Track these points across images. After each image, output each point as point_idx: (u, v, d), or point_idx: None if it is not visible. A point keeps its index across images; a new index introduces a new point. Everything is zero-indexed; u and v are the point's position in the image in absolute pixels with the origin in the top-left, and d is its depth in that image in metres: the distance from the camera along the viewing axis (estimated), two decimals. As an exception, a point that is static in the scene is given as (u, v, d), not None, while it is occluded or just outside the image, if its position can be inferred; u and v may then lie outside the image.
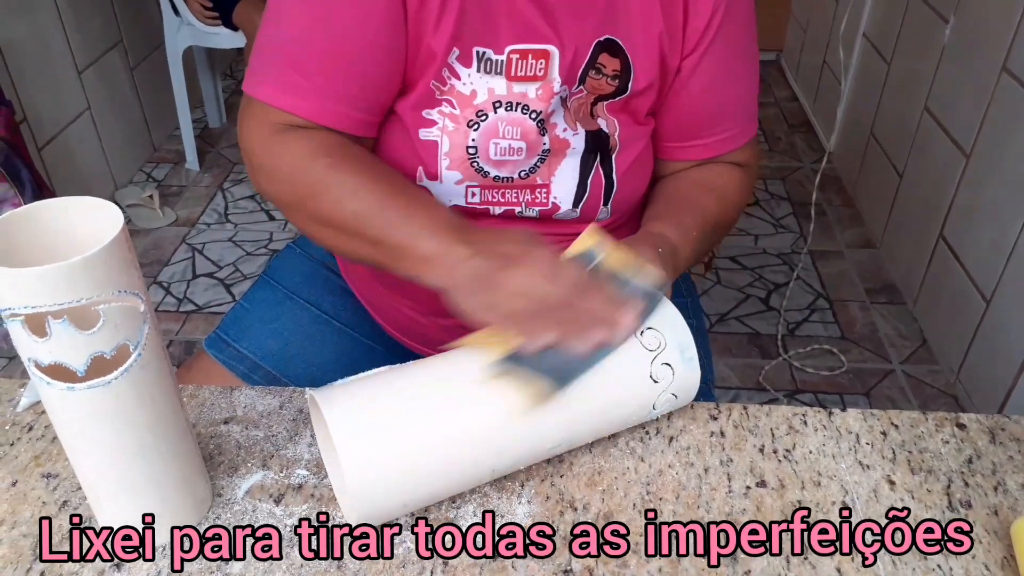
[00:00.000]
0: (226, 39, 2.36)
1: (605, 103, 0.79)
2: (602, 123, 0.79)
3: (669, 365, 0.63)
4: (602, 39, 0.75)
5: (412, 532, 0.59)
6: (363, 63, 0.73)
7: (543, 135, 0.78)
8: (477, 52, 0.74)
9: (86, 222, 0.51)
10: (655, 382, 0.63)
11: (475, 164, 0.78)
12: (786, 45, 3.19)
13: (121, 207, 2.30)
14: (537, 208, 0.81)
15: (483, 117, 0.76)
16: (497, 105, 0.76)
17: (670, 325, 0.64)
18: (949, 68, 1.84)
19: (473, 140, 0.77)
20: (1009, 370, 1.55)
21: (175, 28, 2.38)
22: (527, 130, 0.77)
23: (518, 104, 0.76)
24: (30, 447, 0.66)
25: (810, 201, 2.24)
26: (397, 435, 0.56)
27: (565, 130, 0.78)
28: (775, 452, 0.66)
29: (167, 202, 2.43)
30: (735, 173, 0.86)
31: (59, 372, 0.49)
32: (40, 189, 1.90)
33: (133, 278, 0.49)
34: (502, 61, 0.74)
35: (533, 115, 0.76)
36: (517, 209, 0.82)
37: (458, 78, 0.75)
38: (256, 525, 0.60)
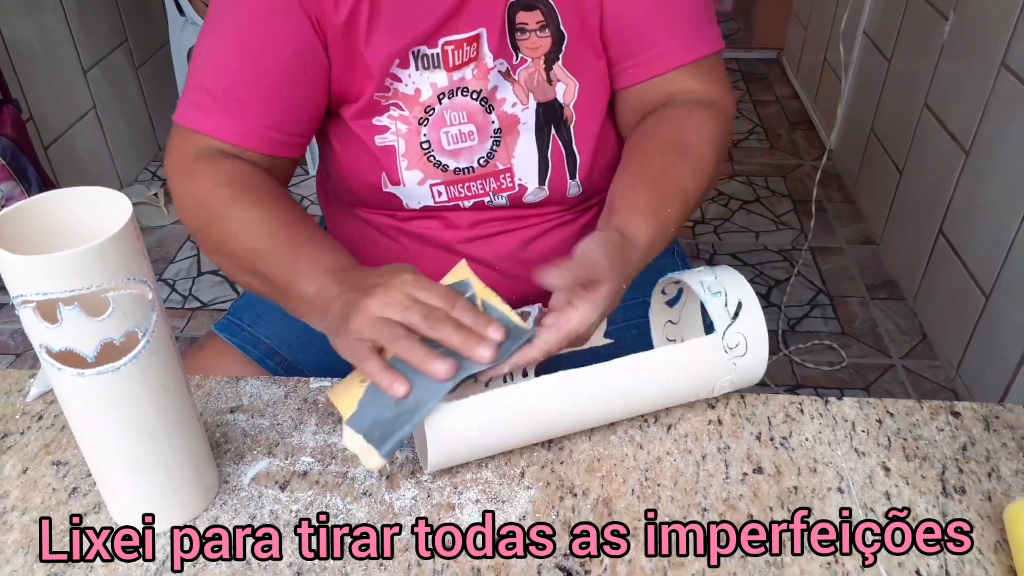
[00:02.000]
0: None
1: (559, 63, 0.78)
2: (560, 89, 0.79)
3: (740, 357, 0.64)
4: (511, 0, 0.75)
5: (412, 532, 0.60)
6: (279, 86, 0.75)
7: (490, 113, 0.79)
8: (413, 52, 0.76)
9: (95, 211, 0.52)
10: (727, 351, 0.64)
11: (432, 159, 0.79)
12: (787, 43, 3.20)
13: (126, 205, 2.31)
14: (505, 194, 0.82)
15: (431, 112, 0.78)
16: (441, 96, 0.78)
17: (736, 288, 0.65)
18: (948, 65, 1.85)
19: (425, 135, 0.78)
20: (1008, 365, 1.55)
21: (180, 27, 2.39)
22: (472, 111, 0.78)
23: (458, 89, 0.77)
24: (40, 435, 0.67)
25: (811, 198, 2.25)
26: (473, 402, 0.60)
27: (514, 105, 0.79)
28: (772, 440, 0.67)
29: (172, 200, 2.45)
30: (705, 118, 0.77)
31: (70, 358, 0.50)
32: (46, 187, 1.91)
33: (142, 266, 0.50)
34: (438, 55, 0.76)
35: (474, 95, 0.78)
36: (486, 199, 0.82)
37: (400, 81, 0.77)
38: (262, 511, 0.61)
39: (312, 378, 0.73)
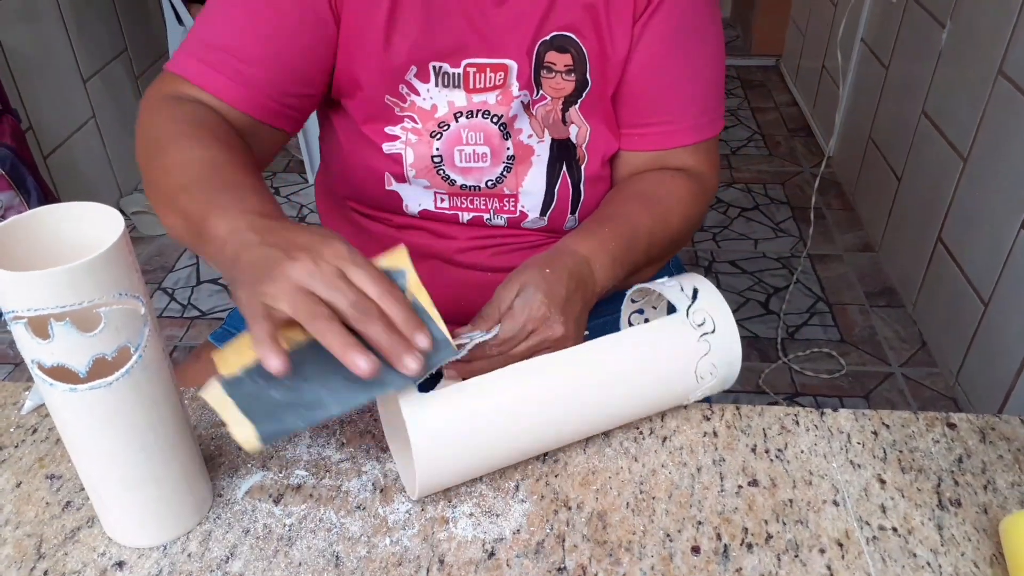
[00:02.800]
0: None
1: (576, 106, 0.79)
2: (574, 130, 0.80)
3: (709, 334, 0.65)
4: (547, 38, 0.76)
5: (407, 531, 0.60)
6: (281, 51, 0.74)
7: (507, 139, 0.79)
8: (434, 67, 0.76)
9: (88, 227, 0.52)
10: (701, 350, 0.65)
11: (441, 172, 0.79)
12: (785, 50, 3.20)
13: (126, 214, 2.31)
14: (505, 216, 0.83)
15: (445, 127, 0.78)
16: (458, 115, 0.78)
17: (708, 294, 0.66)
18: (946, 72, 1.85)
19: (437, 149, 0.78)
20: (1007, 372, 1.55)
21: (179, 36, 2.40)
22: (490, 134, 0.78)
23: (479, 111, 0.78)
24: (34, 449, 0.67)
25: (809, 205, 2.25)
26: (458, 406, 0.58)
27: (530, 136, 0.79)
28: (767, 452, 0.67)
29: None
30: (676, 183, 0.80)
31: (62, 374, 0.50)
32: (45, 197, 1.91)
33: (134, 281, 0.50)
34: (459, 74, 0.76)
35: (495, 119, 0.78)
36: (486, 216, 0.83)
37: (417, 94, 0.77)
38: (255, 525, 0.61)
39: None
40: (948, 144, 1.82)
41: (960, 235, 1.77)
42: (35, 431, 0.69)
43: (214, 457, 0.66)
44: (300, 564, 0.58)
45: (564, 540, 0.59)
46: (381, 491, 0.63)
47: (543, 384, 0.61)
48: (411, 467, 0.59)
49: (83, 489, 0.63)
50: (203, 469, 0.62)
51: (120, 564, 0.58)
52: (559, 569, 0.57)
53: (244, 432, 0.54)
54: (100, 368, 0.50)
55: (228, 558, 0.58)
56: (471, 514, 0.61)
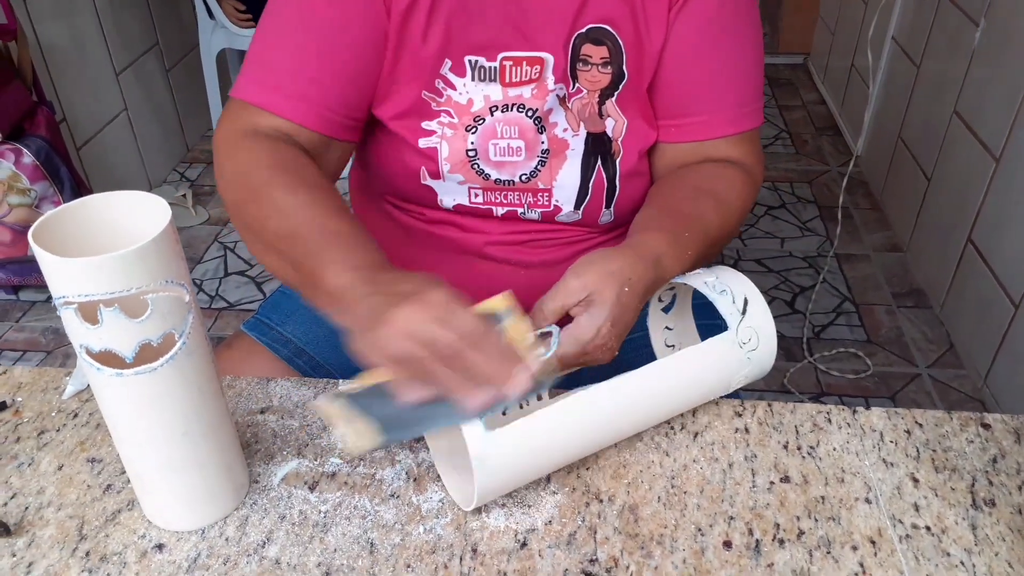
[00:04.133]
0: (258, 41, 2.40)
1: (613, 99, 0.79)
2: (610, 124, 0.80)
3: (753, 351, 0.65)
4: (583, 30, 0.76)
5: (440, 519, 0.60)
6: (344, 64, 0.75)
7: (541, 133, 0.79)
8: (469, 61, 0.76)
9: (132, 215, 0.53)
10: (741, 345, 0.65)
11: (475, 166, 0.80)
12: (814, 48, 3.18)
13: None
14: (539, 210, 0.83)
15: (481, 121, 0.78)
16: (494, 109, 0.78)
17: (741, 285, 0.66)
18: (979, 71, 1.83)
19: (472, 143, 0.79)
20: (1038, 375, 1.54)
21: (209, 30, 2.42)
22: (524, 128, 0.79)
23: (514, 104, 0.78)
24: (75, 433, 0.69)
25: (837, 204, 2.23)
26: (518, 441, 0.58)
27: (565, 130, 0.80)
28: (799, 448, 0.67)
29: (200, 201, 2.48)
30: (737, 177, 0.80)
31: (109, 359, 0.51)
32: (78, 187, 1.94)
33: (180, 269, 0.51)
34: (495, 68, 0.77)
35: (529, 113, 0.78)
36: (519, 210, 0.83)
37: (454, 88, 0.77)
38: (291, 511, 0.62)
39: (341, 380, 0.74)
40: (980, 144, 1.80)
41: (991, 236, 1.75)
42: (76, 415, 0.71)
43: (251, 444, 0.67)
44: (335, 550, 0.59)
45: (596, 532, 0.60)
46: (415, 480, 0.64)
47: (601, 414, 0.61)
48: (466, 489, 0.60)
49: (123, 472, 0.65)
50: (241, 455, 0.63)
51: (160, 547, 0.59)
52: (591, 560, 0.58)
53: (364, 433, 0.58)
54: (146, 354, 0.51)
55: (264, 543, 0.59)
56: (503, 504, 0.62)
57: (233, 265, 2.21)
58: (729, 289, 0.66)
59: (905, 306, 2.02)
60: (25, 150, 1.83)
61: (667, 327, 0.77)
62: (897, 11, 2.32)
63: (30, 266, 1.94)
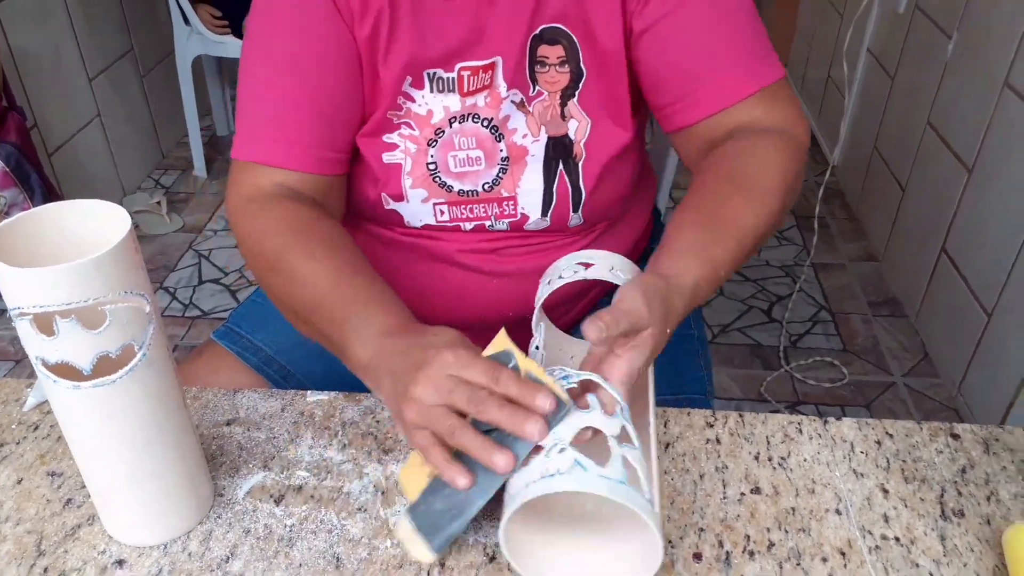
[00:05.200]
0: (235, 48, 2.39)
1: (574, 99, 0.78)
2: (572, 125, 0.79)
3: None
4: (537, 32, 0.76)
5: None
6: (328, 102, 0.75)
7: (499, 142, 0.79)
8: (428, 74, 0.76)
9: (94, 224, 0.52)
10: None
11: (437, 179, 0.80)
12: (791, 59, 3.21)
13: (129, 213, 2.32)
14: (507, 220, 0.83)
15: (441, 134, 0.78)
16: (452, 120, 0.78)
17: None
18: (952, 83, 1.85)
19: (432, 156, 0.79)
20: (1010, 384, 1.55)
21: (185, 37, 2.41)
22: (482, 138, 0.78)
23: (469, 115, 0.78)
24: (36, 446, 0.67)
25: (813, 214, 2.24)
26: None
27: (525, 136, 0.79)
28: (770, 459, 0.66)
29: (175, 208, 2.45)
30: (770, 150, 0.72)
31: (66, 371, 0.50)
32: (49, 194, 1.92)
33: (140, 279, 0.50)
34: (453, 79, 0.77)
35: (485, 123, 0.78)
36: (487, 223, 0.83)
37: (413, 101, 0.77)
38: (256, 526, 0.60)
39: (309, 391, 0.73)
40: (953, 155, 1.82)
41: (964, 246, 1.77)
42: (37, 428, 0.69)
43: (216, 457, 0.66)
44: (301, 565, 0.58)
45: (565, 545, 0.59)
46: (382, 493, 0.63)
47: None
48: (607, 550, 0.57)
49: (84, 486, 0.63)
50: (205, 468, 0.62)
51: (120, 562, 0.58)
52: (560, 574, 0.57)
53: (419, 550, 0.57)
54: (104, 366, 0.50)
55: (228, 558, 0.58)
56: (472, 518, 0.61)
57: (208, 273, 2.19)
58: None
59: (881, 315, 2.04)
60: (-5, 156, 1.80)
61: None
62: (872, 24, 2.35)
63: None
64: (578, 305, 0.92)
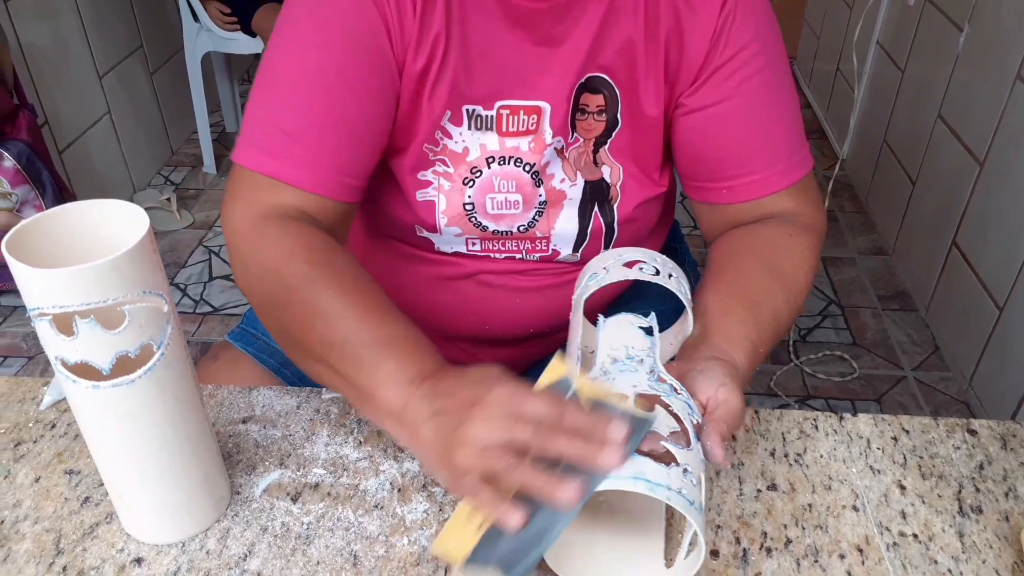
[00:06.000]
0: (244, 45, 2.39)
1: (606, 147, 0.78)
2: (606, 171, 0.79)
3: None
4: (583, 79, 0.75)
5: (425, 531, 0.60)
6: (358, 133, 0.71)
7: (539, 187, 0.78)
8: (467, 110, 0.75)
9: (111, 224, 0.52)
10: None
11: (473, 219, 0.79)
12: (799, 52, 3.19)
13: (138, 210, 2.33)
14: (538, 254, 0.82)
15: (478, 173, 0.77)
16: (491, 160, 0.76)
17: None
18: (963, 76, 1.84)
19: (469, 196, 0.78)
20: (1021, 378, 1.54)
21: (194, 34, 2.41)
22: (522, 183, 0.78)
23: (511, 158, 0.76)
24: (53, 444, 0.68)
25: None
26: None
27: (563, 181, 0.79)
28: (786, 456, 0.66)
29: (184, 205, 2.46)
30: (803, 247, 0.75)
31: (85, 371, 0.50)
32: (61, 191, 1.92)
33: (158, 279, 0.50)
34: (492, 117, 0.75)
35: (527, 168, 0.77)
36: (518, 255, 0.82)
37: (450, 137, 0.76)
38: (273, 523, 0.61)
39: (324, 389, 0.73)
40: (965, 148, 1.81)
41: (975, 239, 1.76)
42: (54, 426, 0.69)
43: (232, 455, 0.66)
44: (318, 563, 0.58)
45: (582, 542, 0.59)
46: (399, 491, 0.63)
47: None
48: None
49: (102, 485, 0.64)
50: (222, 467, 0.62)
51: (138, 560, 0.58)
52: (577, 571, 0.57)
53: None
54: (123, 366, 0.50)
55: (246, 556, 0.58)
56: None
57: (218, 269, 2.20)
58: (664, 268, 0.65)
59: (890, 309, 2.03)
60: (6, 154, 1.81)
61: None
62: (882, 16, 2.33)
63: (10, 272, 1.92)
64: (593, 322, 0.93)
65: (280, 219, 0.69)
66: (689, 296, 0.65)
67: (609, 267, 0.66)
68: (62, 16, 2.15)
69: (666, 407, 0.55)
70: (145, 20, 2.54)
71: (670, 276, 0.65)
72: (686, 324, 0.68)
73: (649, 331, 0.64)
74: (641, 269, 0.65)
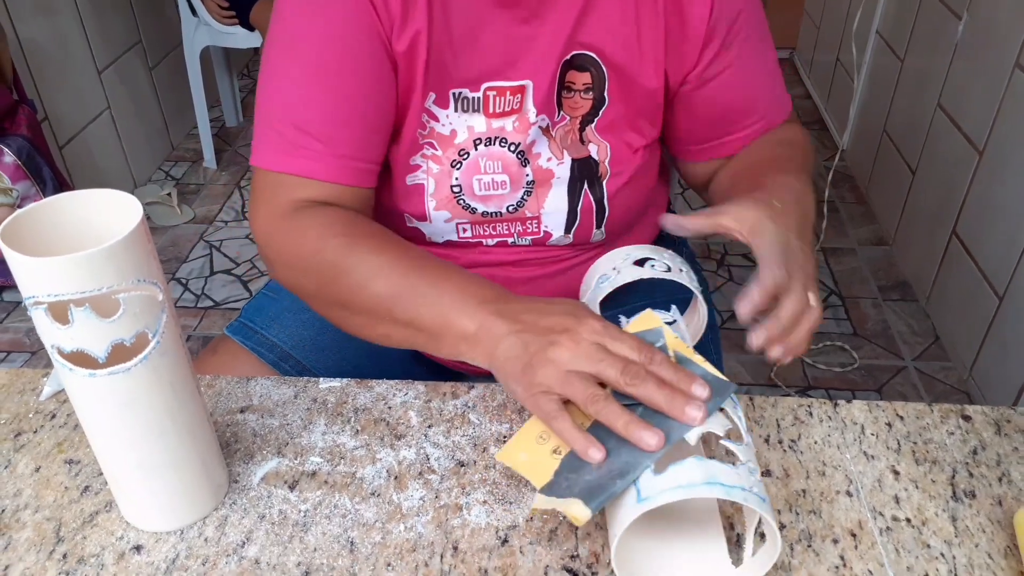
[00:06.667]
0: (243, 39, 2.39)
1: (592, 125, 0.79)
2: (593, 149, 0.79)
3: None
4: (568, 57, 0.75)
5: (421, 517, 0.60)
6: (368, 118, 0.72)
7: (525, 167, 0.78)
8: (453, 93, 0.75)
9: (106, 214, 0.53)
10: None
11: (461, 201, 0.79)
12: (799, 42, 3.18)
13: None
14: (530, 237, 0.83)
15: (465, 155, 0.77)
16: (477, 142, 0.77)
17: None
18: (962, 65, 1.84)
19: (457, 179, 0.78)
20: (1022, 366, 1.54)
21: (193, 28, 2.41)
22: (508, 163, 0.78)
23: (496, 138, 0.77)
24: (53, 434, 0.68)
25: (823, 198, 2.24)
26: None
27: (549, 160, 0.79)
28: (780, 442, 0.67)
29: (185, 200, 2.46)
30: (789, 129, 0.83)
31: (81, 359, 0.51)
32: (61, 187, 1.93)
33: (152, 267, 0.51)
34: (479, 99, 0.75)
35: (512, 148, 0.77)
36: (510, 240, 0.83)
37: (437, 120, 0.76)
38: (271, 511, 0.61)
39: (322, 378, 0.73)
40: (964, 137, 1.80)
41: (975, 229, 1.76)
42: (54, 416, 0.70)
43: (230, 443, 0.67)
44: (315, 549, 0.58)
45: (577, 528, 0.59)
46: (395, 478, 0.63)
47: None
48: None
49: (101, 474, 0.64)
50: (219, 455, 0.62)
51: (138, 548, 0.59)
52: (572, 556, 0.57)
53: (577, 509, 0.53)
54: (119, 354, 0.51)
55: (244, 543, 0.59)
56: (484, 501, 0.61)
57: (219, 264, 2.20)
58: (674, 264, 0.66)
59: (891, 299, 2.03)
60: (6, 149, 1.81)
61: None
62: (881, 5, 2.33)
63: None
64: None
65: (304, 210, 0.70)
66: (698, 285, 0.66)
67: (619, 267, 0.66)
68: (61, 12, 2.16)
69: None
70: (144, 15, 2.54)
71: (681, 271, 0.65)
72: (696, 314, 0.69)
73: (673, 324, 0.64)
74: (653, 267, 0.65)
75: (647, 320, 0.59)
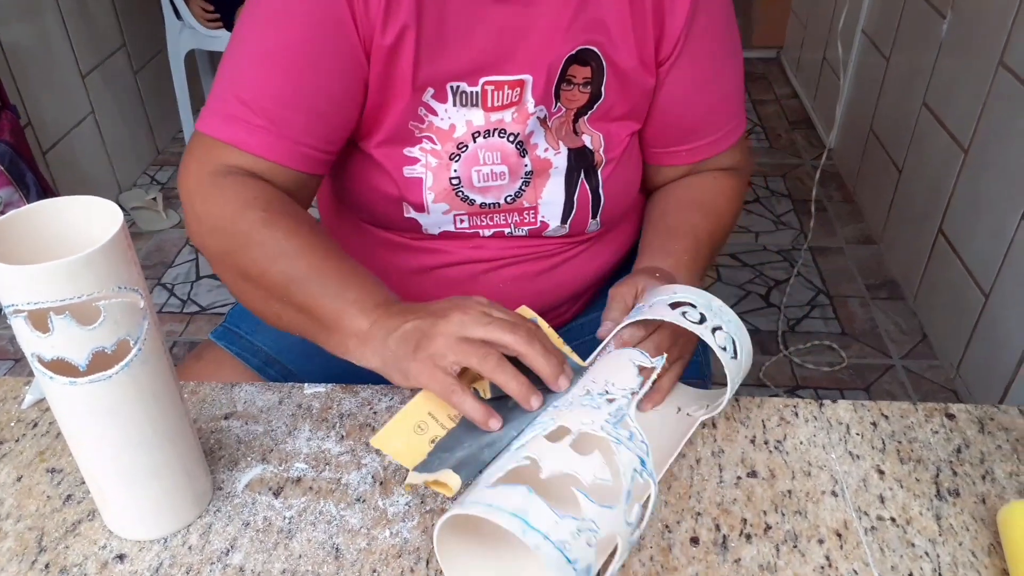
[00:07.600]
0: (227, 42, 2.38)
1: (586, 117, 0.79)
2: (587, 139, 0.80)
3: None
4: (573, 52, 0.76)
5: (407, 523, 0.60)
6: (322, 105, 0.73)
7: (523, 156, 0.79)
8: (451, 87, 0.75)
9: (87, 220, 0.52)
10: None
11: (460, 194, 0.79)
12: (786, 42, 3.20)
13: (125, 210, 2.32)
14: (526, 228, 0.83)
15: (463, 148, 0.77)
16: (476, 135, 0.77)
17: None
18: (947, 63, 1.85)
19: (455, 171, 0.78)
20: (1008, 364, 1.55)
21: (177, 31, 2.40)
22: (507, 153, 0.78)
23: (495, 130, 0.77)
24: (35, 443, 0.68)
25: (810, 197, 2.25)
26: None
27: (547, 150, 0.79)
28: (766, 443, 0.67)
29: (170, 204, 2.45)
30: (723, 183, 0.86)
31: (61, 367, 0.50)
32: (45, 193, 1.91)
33: (133, 274, 0.50)
34: (477, 93, 0.76)
35: (511, 138, 0.78)
36: (506, 230, 0.83)
37: (435, 114, 0.76)
38: (255, 518, 0.61)
39: (307, 384, 0.73)
40: (949, 136, 1.81)
41: (961, 227, 1.77)
42: (35, 425, 0.69)
43: (214, 450, 0.66)
44: (300, 556, 0.58)
45: (563, 531, 0.59)
46: (381, 484, 0.63)
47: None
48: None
49: (84, 483, 0.64)
50: (203, 462, 0.62)
51: (121, 557, 0.58)
52: (558, 560, 0.57)
53: (447, 477, 0.56)
54: (100, 361, 0.50)
55: (228, 550, 0.58)
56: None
57: (205, 268, 2.19)
58: (714, 323, 0.65)
59: (879, 298, 2.04)
60: (-11, 155, 1.80)
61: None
62: (866, 4, 2.34)
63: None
64: (575, 306, 0.94)
65: (234, 176, 0.72)
66: (736, 376, 0.66)
67: (654, 304, 0.65)
68: (43, 15, 2.14)
69: (609, 455, 0.52)
70: (128, 18, 2.52)
71: (715, 330, 0.64)
72: (719, 402, 0.68)
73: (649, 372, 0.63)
74: (684, 313, 0.64)
75: (525, 312, 0.66)
